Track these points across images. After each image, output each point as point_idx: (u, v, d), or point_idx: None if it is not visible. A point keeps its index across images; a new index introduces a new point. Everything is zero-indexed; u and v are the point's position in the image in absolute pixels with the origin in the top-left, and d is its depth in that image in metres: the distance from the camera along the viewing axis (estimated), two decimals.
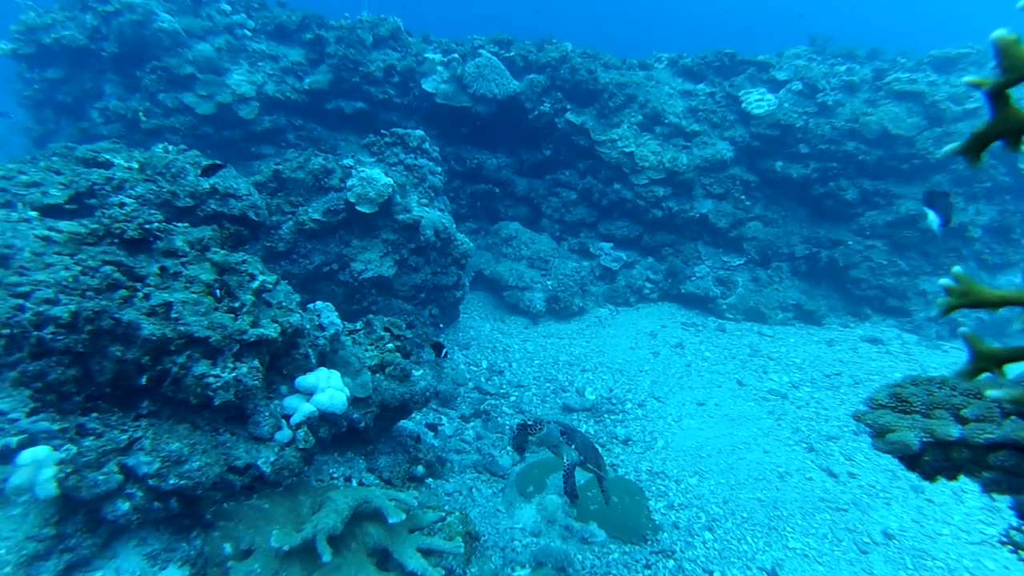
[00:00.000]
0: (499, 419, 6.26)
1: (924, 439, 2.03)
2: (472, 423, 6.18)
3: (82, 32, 9.10)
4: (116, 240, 3.29)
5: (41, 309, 2.80)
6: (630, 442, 6.07)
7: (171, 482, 2.96)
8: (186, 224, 3.79)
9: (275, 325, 3.52)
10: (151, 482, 2.92)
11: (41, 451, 2.60)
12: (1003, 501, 1.93)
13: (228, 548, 3.05)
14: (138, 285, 3.16)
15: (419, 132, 8.29)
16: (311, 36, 9.93)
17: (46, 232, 3.36)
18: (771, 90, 10.38)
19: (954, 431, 1.97)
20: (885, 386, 2.27)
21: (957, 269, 1.43)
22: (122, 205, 3.41)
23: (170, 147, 5.21)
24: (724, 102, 10.45)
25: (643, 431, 6.28)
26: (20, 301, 2.81)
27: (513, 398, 6.77)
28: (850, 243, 9.68)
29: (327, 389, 3.78)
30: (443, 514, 3.80)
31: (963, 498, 5.34)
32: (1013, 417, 1.90)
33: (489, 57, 10.03)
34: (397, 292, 7.23)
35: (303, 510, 3.39)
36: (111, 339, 2.95)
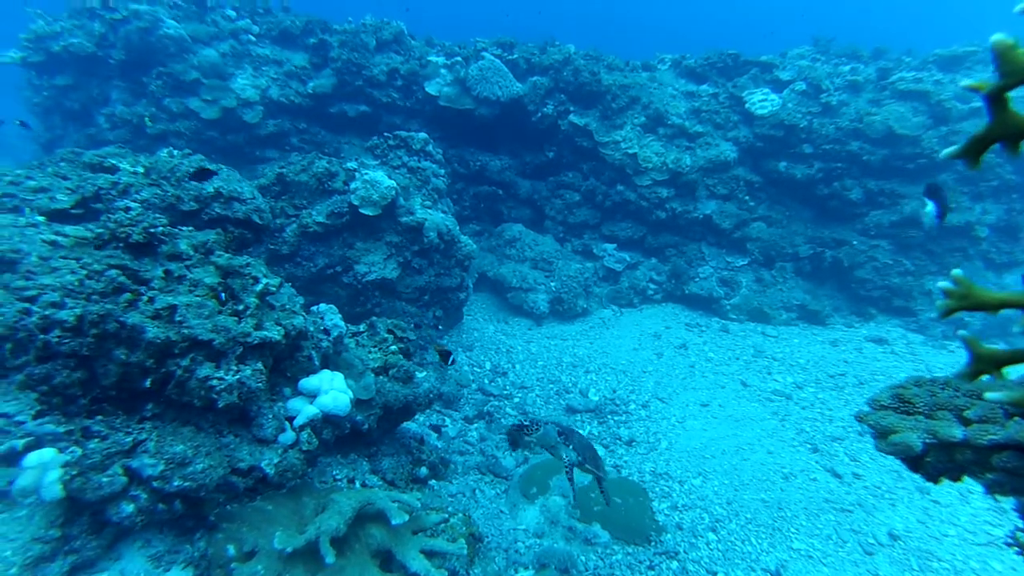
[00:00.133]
0: (502, 420, 6.27)
1: (927, 440, 2.02)
2: (475, 424, 6.19)
3: (90, 40, 9.21)
4: (121, 244, 3.33)
5: (47, 313, 2.83)
6: (634, 443, 6.06)
7: (175, 484, 2.98)
8: (190, 228, 3.83)
9: (279, 328, 3.55)
10: (155, 484, 2.94)
11: (47, 453, 2.62)
12: (1007, 502, 1.92)
13: (232, 550, 3.06)
14: (143, 289, 3.19)
15: (422, 135, 8.33)
16: (315, 41, 10.00)
17: (53, 236, 3.40)
18: (775, 90, 10.35)
19: (957, 432, 1.96)
20: (888, 387, 2.26)
21: (956, 272, 1.43)
22: (127, 209, 3.44)
23: (175, 152, 5.26)
24: (727, 103, 10.43)
25: (647, 432, 6.27)
26: (27, 305, 2.85)
27: (516, 399, 6.78)
28: (855, 243, 9.63)
29: (330, 391, 3.79)
30: (446, 516, 3.81)
31: (969, 499, 5.29)
32: (1016, 418, 1.89)
33: (492, 60, 10.07)
34: (401, 294, 7.25)
35: (306, 512, 3.40)
36: (116, 342, 2.98)
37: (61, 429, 2.75)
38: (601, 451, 5.93)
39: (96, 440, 2.84)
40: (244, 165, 9.22)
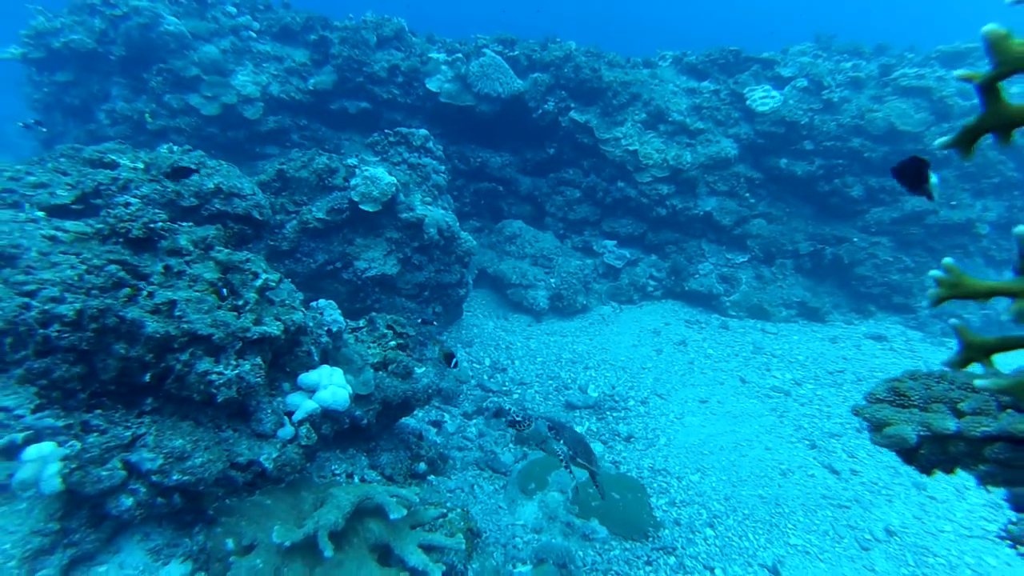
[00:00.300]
0: (505, 418, 6.28)
1: (921, 433, 2.03)
2: (474, 420, 6.21)
3: (90, 36, 9.20)
4: (121, 239, 3.33)
5: (47, 307, 2.85)
6: (632, 439, 6.08)
7: (174, 478, 3.00)
8: (190, 223, 3.83)
9: (278, 323, 3.56)
10: (154, 478, 2.96)
11: (46, 447, 2.64)
12: (999, 494, 1.93)
13: (230, 543, 3.08)
14: (142, 284, 3.21)
15: (423, 131, 8.33)
16: (315, 37, 9.99)
17: (52, 232, 3.42)
18: (776, 87, 10.33)
19: (951, 425, 1.97)
20: (884, 381, 2.27)
21: (948, 260, 1.44)
22: (127, 205, 3.45)
23: (175, 148, 5.26)
24: (728, 99, 10.41)
25: (645, 428, 6.28)
26: (26, 299, 2.86)
27: (516, 395, 6.79)
28: (855, 240, 9.62)
29: (329, 386, 3.81)
30: (445, 511, 3.82)
31: (965, 495, 5.31)
32: (1009, 410, 1.90)
33: (493, 56, 10.05)
34: (401, 290, 7.26)
35: (305, 506, 3.42)
36: (115, 337, 3.00)
37: (60, 423, 2.77)
38: (599, 447, 5.95)
39: (95, 434, 2.85)
40: (244, 161, 9.23)
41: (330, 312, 4.39)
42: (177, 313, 3.17)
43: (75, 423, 2.81)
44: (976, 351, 1.46)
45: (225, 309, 3.39)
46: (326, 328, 4.21)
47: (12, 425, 2.66)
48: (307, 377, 3.81)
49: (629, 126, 10.20)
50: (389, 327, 4.91)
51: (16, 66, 9.89)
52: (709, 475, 5.54)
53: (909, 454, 2.16)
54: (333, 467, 4.12)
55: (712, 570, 4.44)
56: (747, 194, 10.11)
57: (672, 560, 4.50)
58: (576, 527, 4.69)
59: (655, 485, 5.36)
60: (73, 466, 2.70)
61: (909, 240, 9.60)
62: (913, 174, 2.63)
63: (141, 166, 4.94)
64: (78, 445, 2.74)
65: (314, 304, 4.41)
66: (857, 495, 5.32)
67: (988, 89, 1.27)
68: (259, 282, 3.69)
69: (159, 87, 9.11)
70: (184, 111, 9.15)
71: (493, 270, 9.40)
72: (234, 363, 3.28)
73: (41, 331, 2.80)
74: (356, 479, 4.14)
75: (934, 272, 1.48)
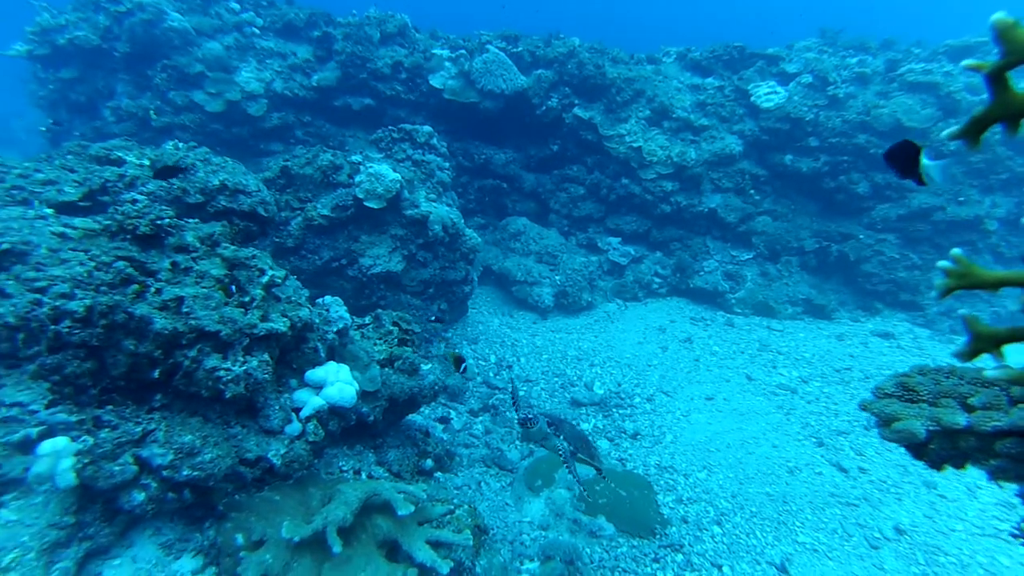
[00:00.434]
0: (507, 413, 6.29)
1: (931, 427, 2.02)
2: (480, 417, 6.21)
3: (95, 32, 9.22)
4: (129, 236, 3.35)
5: (58, 304, 2.86)
6: (638, 436, 6.07)
7: (184, 473, 3.01)
8: (196, 220, 3.84)
9: (284, 319, 3.56)
10: (165, 473, 2.97)
11: (60, 442, 2.66)
12: (1011, 489, 1.91)
13: (240, 539, 3.10)
14: (150, 280, 3.22)
15: (427, 128, 8.32)
16: (319, 33, 9.98)
17: (61, 228, 3.43)
18: (781, 83, 10.28)
19: (961, 419, 1.96)
20: (892, 376, 2.26)
21: (956, 251, 1.43)
22: (134, 202, 3.46)
23: (180, 144, 5.27)
24: (733, 96, 10.37)
25: (651, 425, 6.28)
26: (38, 296, 2.87)
27: (522, 393, 6.79)
28: (861, 237, 9.58)
29: (336, 383, 3.81)
30: (452, 507, 3.82)
31: (977, 494, 5.28)
32: (1021, 405, 1.89)
33: (497, 53, 10.02)
34: (406, 287, 7.27)
35: (313, 502, 3.43)
36: (125, 333, 3.01)
37: (73, 418, 2.79)
38: (606, 444, 5.95)
39: (107, 429, 2.87)
40: (249, 158, 9.24)
41: (336, 309, 4.40)
42: (185, 309, 3.18)
43: (87, 418, 2.83)
44: (986, 341, 1.45)
45: (232, 306, 3.40)
46: (328, 319, 4.21)
47: (27, 420, 2.68)
48: (314, 374, 3.82)
49: (633, 123, 10.17)
50: (395, 324, 4.92)
51: (22, 63, 9.92)
52: (716, 472, 5.53)
53: (918, 449, 2.15)
54: (340, 463, 4.13)
55: (720, 567, 4.43)
56: (752, 191, 10.07)
57: (679, 557, 4.50)
58: (583, 524, 4.69)
59: (662, 482, 5.36)
60: (86, 461, 2.71)
61: (916, 237, 9.55)
62: (903, 158, 2.62)
63: (147, 163, 4.95)
64: (90, 440, 2.75)
65: (320, 301, 4.42)
66: (866, 493, 5.31)
67: (996, 79, 1.26)
68: (265, 279, 3.69)
69: (163, 84, 9.12)
70: (188, 108, 9.17)
71: (498, 267, 9.40)
72: (242, 359, 3.29)
73: (53, 327, 2.81)
74: (363, 475, 4.15)
75: (942, 263, 1.47)
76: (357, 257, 6.91)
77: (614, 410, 6.54)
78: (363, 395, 4.12)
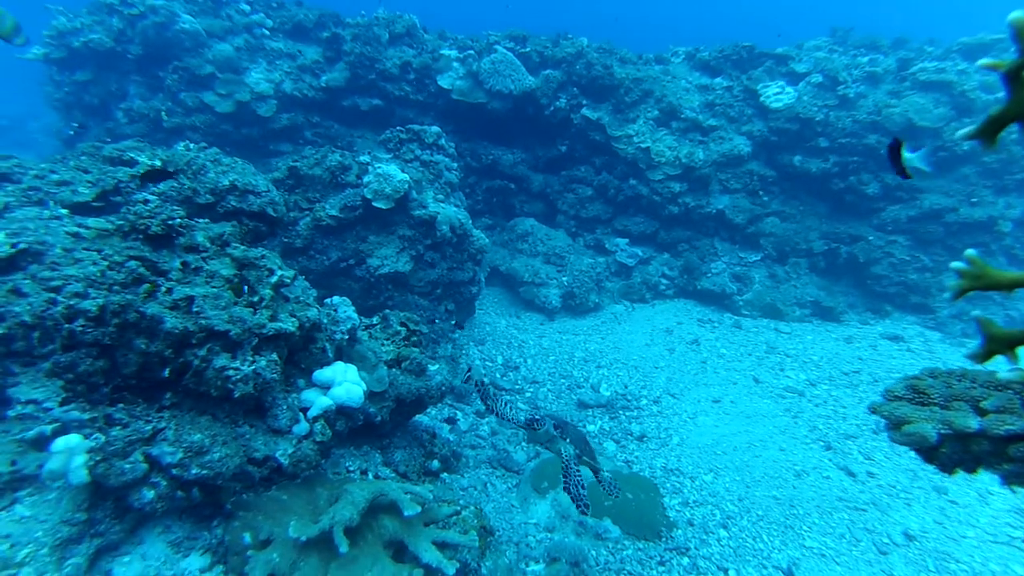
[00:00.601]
0: (517, 414, 6.28)
1: (942, 431, 2.00)
2: (487, 419, 6.22)
3: (109, 35, 9.34)
4: (140, 236, 3.39)
5: (72, 303, 2.90)
6: (645, 439, 6.06)
7: (193, 472, 3.04)
8: (207, 220, 3.88)
9: (293, 319, 3.59)
10: (174, 471, 3.01)
11: (73, 439, 2.70)
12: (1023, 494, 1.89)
13: (248, 538, 3.12)
14: (161, 280, 3.25)
15: (435, 128, 8.34)
16: (328, 34, 10.04)
17: (75, 228, 3.48)
18: (790, 83, 10.21)
19: (973, 423, 1.94)
20: (903, 378, 2.24)
21: (970, 252, 1.41)
22: (146, 202, 3.50)
23: (191, 145, 5.32)
24: (742, 96, 10.31)
25: (658, 428, 6.26)
26: (52, 295, 2.92)
27: (528, 394, 6.80)
28: (871, 238, 9.49)
29: (344, 383, 3.83)
30: (458, 508, 3.83)
31: (989, 500, 5.22)
32: None
33: (505, 53, 10.04)
34: (413, 288, 7.29)
35: (320, 502, 3.45)
36: (136, 332, 3.04)
37: (86, 416, 2.83)
38: (612, 446, 5.94)
39: (118, 427, 2.90)
40: (258, 158, 9.31)
41: (344, 309, 4.42)
42: (195, 309, 3.21)
43: (99, 416, 2.87)
44: (1000, 343, 1.44)
45: (241, 305, 3.43)
46: (336, 320, 4.23)
47: (41, 417, 2.73)
48: (322, 374, 3.84)
49: (641, 123, 10.14)
50: (403, 324, 4.93)
51: (38, 66, 10.07)
52: (722, 475, 5.50)
53: (929, 453, 2.13)
54: (347, 464, 4.16)
55: (726, 571, 4.41)
56: (760, 192, 10.01)
57: (685, 561, 4.48)
58: (589, 526, 4.69)
59: (668, 485, 5.34)
60: (98, 458, 2.75)
61: (927, 238, 9.44)
62: (890, 155, 2.67)
63: (159, 164, 5.01)
64: (102, 438, 2.79)
65: (328, 301, 4.44)
66: (874, 498, 5.26)
67: (1014, 78, 1.24)
68: (274, 279, 3.72)
69: (175, 85, 9.22)
70: (199, 109, 9.26)
71: (505, 268, 9.41)
72: (250, 359, 3.32)
73: (67, 326, 2.85)
74: (370, 476, 4.17)
75: (956, 264, 1.46)
76: (365, 257, 6.94)
77: (620, 412, 6.52)
78: (370, 395, 4.14)
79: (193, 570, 3.02)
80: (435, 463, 4.78)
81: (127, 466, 2.86)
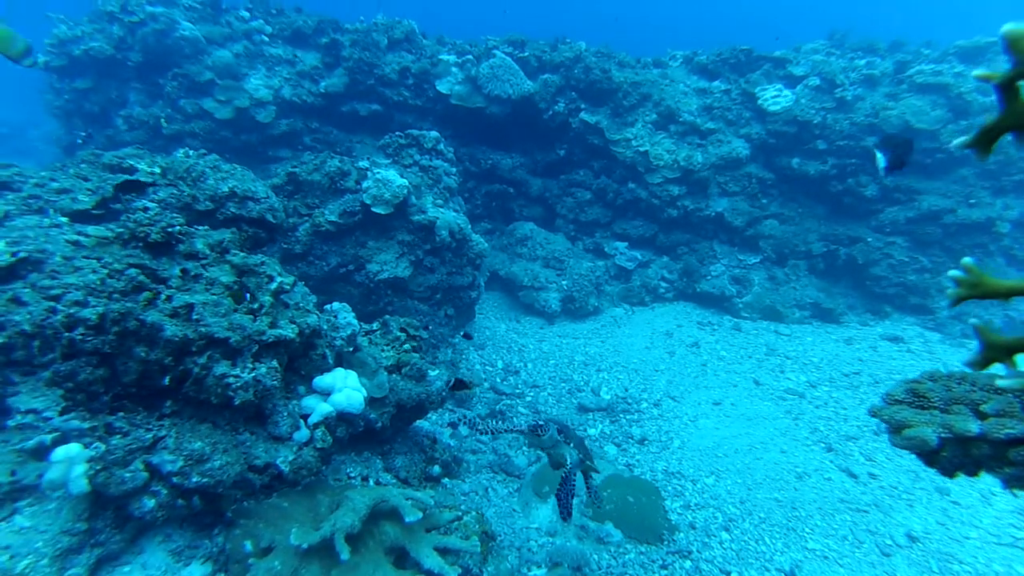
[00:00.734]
0: (514, 419, 6.29)
1: (942, 435, 2.00)
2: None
3: (109, 43, 9.37)
4: (140, 243, 3.39)
5: (72, 311, 2.90)
6: (646, 442, 6.05)
7: (194, 480, 3.04)
8: (206, 227, 3.89)
9: (293, 326, 3.59)
10: (175, 480, 3.00)
11: (73, 448, 2.69)
12: None
13: (249, 546, 3.12)
14: (161, 287, 3.26)
15: (434, 133, 8.36)
16: (327, 40, 10.07)
17: (75, 237, 3.48)
18: (788, 86, 10.24)
19: (973, 427, 1.94)
20: (902, 382, 2.24)
21: (967, 260, 1.42)
22: (145, 209, 3.51)
23: (191, 152, 5.33)
24: (740, 99, 10.34)
25: (659, 431, 6.25)
26: (52, 303, 2.92)
27: (528, 398, 6.79)
28: (870, 240, 9.50)
29: (344, 389, 3.83)
30: (459, 513, 3.83)
31: (991, 501, 5.21)
32: None
33: (503, 58, 10.07)
34: (413, 293, 7.29)
35: (321, 509, 3.44)
36: (136, 340, 3.04)
37: (86, 425, 2.82)
38: (613, 450, 5.93)
39: (118, 436, 2.90)
40: (257, 164, 9.33)
41: (344, 315, 4.42)
42: (195, 316, 3.22)
43: (99, 425, 2.86)
44: (997, 351, 1.44)
45: (241, 312, 3.43)
46: (336, 326, 4.23)
47: (41, 427, 2.72)
48: (322, 380, 3.84)
49: (640, 127, 10.17)
50: (403, 330, 4.94)
51: (38, 74, 10.10)
52: (724, 478, 5.49)
53: (930, 456, 2.13)
54: (348, 470, 4.15)
55: (728, 574, 4.40)
56: (759, 194, 10.02)
57: (688, 564, 4.47)
58: (591, 530, 4.68)
59: (669, 488, 5.33)
60: (98, 467, 2.75)
61: (926, 240, 9.46)
62: (883, 153, 2.74)
63: (158, 171, 5.02)
64: (102, 447, 2.79)
65: (328, 307, 4.45)
66: (876, 499, 5.25)
67: (1007, 89, 1.26)
68: (274, 285, 3.73)
69: (174, 92, 9.24)
70: (198, 115, 9.28)
71: (505, 272, 9.41)
72: (251, 366, 3.32)
73: (67, 334, 2.85)
74: (371, 482, 4.17)
75: (953, 272, 1.46)
76: (364, 263, 6.95)
77: (621, 415, 6.52)
78: (371, 401, 4.14)
79: None
80: (436, 468, 4.77)
81: (127, 475, 2.85)
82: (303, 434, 3.61)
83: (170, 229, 3.46)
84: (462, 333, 7.11)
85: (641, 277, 9.82)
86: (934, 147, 9.44)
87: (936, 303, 9.14)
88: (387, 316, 5.13)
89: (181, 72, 9.26)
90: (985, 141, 1.30)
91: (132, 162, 4.98)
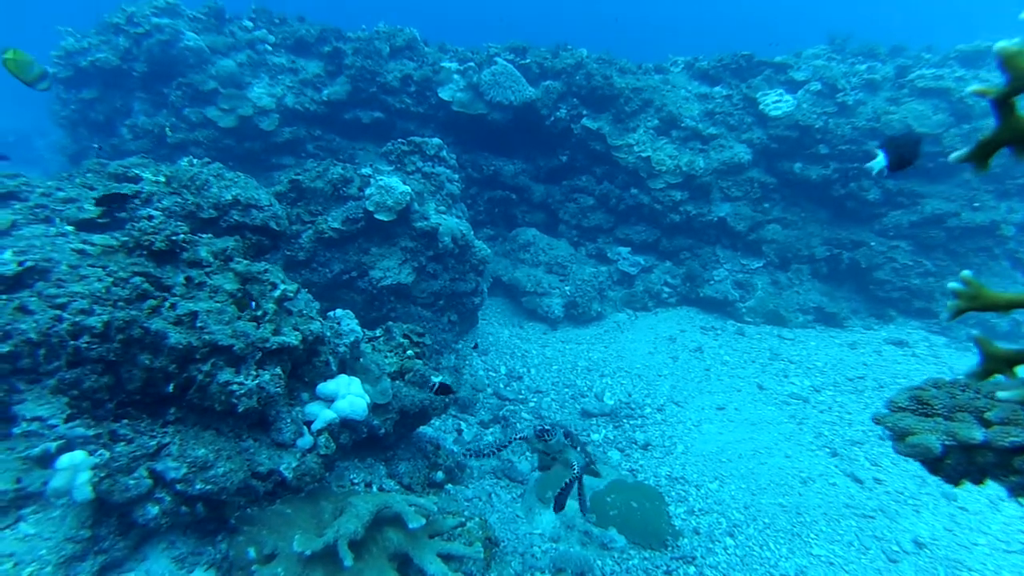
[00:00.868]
0: (517, 425, 6.28)
1: (946, 442, 1.99)
2: (491, 429, 6.21)
3: (115, 54, 9.49)
4: (145, 252, 3.42)
5: (77, 319, 2.92)
6: (649, 447, 6.03)
7: (197, 487, 3.05)
8: (210, 235, 3.92)
9: (296, 333, 3.61)
10: (178, 487, 3.01)
11: (78, 456, 2.71)
12: None
13: (252, 552, 3.12)
14: (165, 295, 3.28)
15: (436, 140, 8.41)
16: (329, 48, 10.16)
17: (81, 245, 3.51)
18: (789, 91, 10.26)
19: (978, 434, 1.93)
20: (906, 389, 2.23)
21: (966, 273, 1.42)
22: (150, 218, 3.54)
23: (195, 160, 5.38)
24: (741, 104, 10.36)
25: (662, 436, 6.23)
26: (58, 312, 2.94)
27: (532, 403, 6.78)
28: (873, 244, 9.48)
29: (347, 396, 3.84)
30: (462, 519, 3.82)
31: (1000, 507, 5.17)
32: None
33: (505, 64, 10.13)
34: (416, 299, 7.31)
35: (325, 515, 3.45)
36: (140, 348, 3.06)
37: (90, 432, 2.84)
38: (616, 455, 5.91)
39: (122, 443, 2.91)
40: (260, 172, 9.39)
41: (347, 322, 4.44)
42: (199, 324, 3.24)
43: (104, 432, 2.88)
44: (998, 362, 1.44)
45: (245, 320, 3.45)
46: (339, 333, 4.24)
47: (46, 434, 2.74)
48: (325, 387, 3.85)
49: (641, 132, 10.20)
50: (406, 336, 4.95)
51: None
52: (728, 483, 5.47)
53: (934, 464, 2.12)
54: (352, 476, 4.15)
55: None
56: (761, 199, 10.03)
57: (692, 570, 4.44)
58: (594, 536, 4.66)
59: (673, 493, 5.31)
60: (102, 475, 2.76)
61: (929, 243, 9.43)
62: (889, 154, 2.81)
63: (163, 179, 5.06)
64: (107, 454, 2.80)
65: (331, 314, 4.46)
66: (882, 505, 5.22)
67: (1002, 104, 1.27)
68: (277, 292, 3.75)
69: (179, 101, 9.33)
70: (202, 124, 9.36)
71: (508, 278, 9.43)
72: (254, 373, 3.33)
73: (72, 342, 2.88)
74: (374, 488, 4.17)
75: (952, 284, 1.47)
76: (367, 269, 6.97)
77: (625, 421, 6.50)
78: (374, 408, 4.14)
79: None
80: (439, 474, 4.77)
81: (131, 482, 2.86)
82: (306, 441, 3.62)
83: (174, 237, 3.49)
84: (473, 345, 7.13)
85: (644, 282, 9.81)
86: (936, 151, 9.42)
87: (941, 307, 9.10)
88: (390, 322, 5.14)
89: (185, 82, 9.35)
90: (982, 155, 1.31)
91: (137, 171, 5.03)
